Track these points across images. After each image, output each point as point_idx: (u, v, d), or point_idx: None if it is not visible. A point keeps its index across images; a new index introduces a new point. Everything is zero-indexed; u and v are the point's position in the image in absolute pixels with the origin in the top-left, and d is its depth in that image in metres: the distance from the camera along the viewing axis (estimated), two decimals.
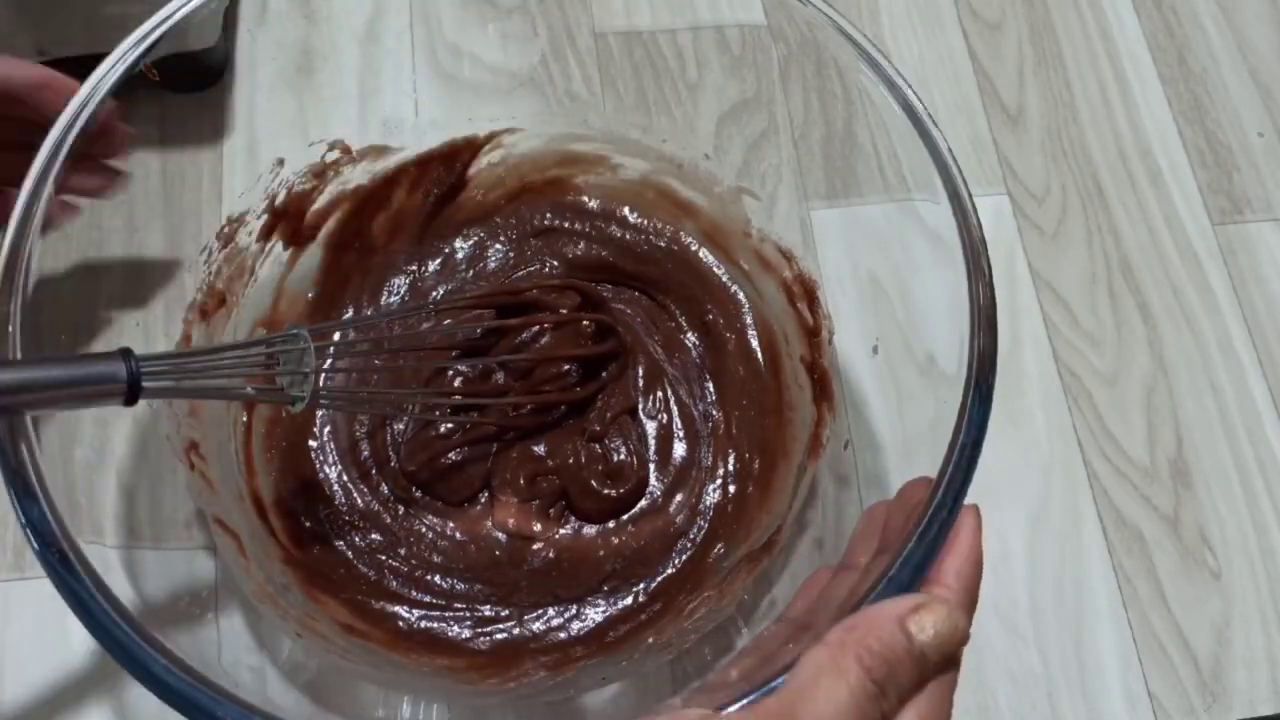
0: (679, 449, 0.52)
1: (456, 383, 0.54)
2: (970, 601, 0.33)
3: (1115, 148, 0.65)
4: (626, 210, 0.57)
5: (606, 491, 0.50)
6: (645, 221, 0.56)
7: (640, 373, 0.54)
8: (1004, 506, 0.55)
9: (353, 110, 0.59)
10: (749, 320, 0.55)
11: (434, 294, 0.55)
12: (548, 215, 0.57)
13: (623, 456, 0.52)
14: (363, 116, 0.57)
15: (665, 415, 0.53)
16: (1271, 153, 0.65)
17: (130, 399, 0.36)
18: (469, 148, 0.55)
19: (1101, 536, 0.54)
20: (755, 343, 0.54)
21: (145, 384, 0.36)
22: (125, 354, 0.36)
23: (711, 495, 0.51)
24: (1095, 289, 0.61)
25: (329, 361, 0.53)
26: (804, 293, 0.52)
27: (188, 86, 0.59)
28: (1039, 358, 0.59)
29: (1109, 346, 0.59)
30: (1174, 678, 0.52)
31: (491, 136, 0.55)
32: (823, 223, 0.56)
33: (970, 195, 0.39)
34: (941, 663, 0.30)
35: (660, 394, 0.54)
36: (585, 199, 0.57)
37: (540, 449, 0.52)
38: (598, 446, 0.52)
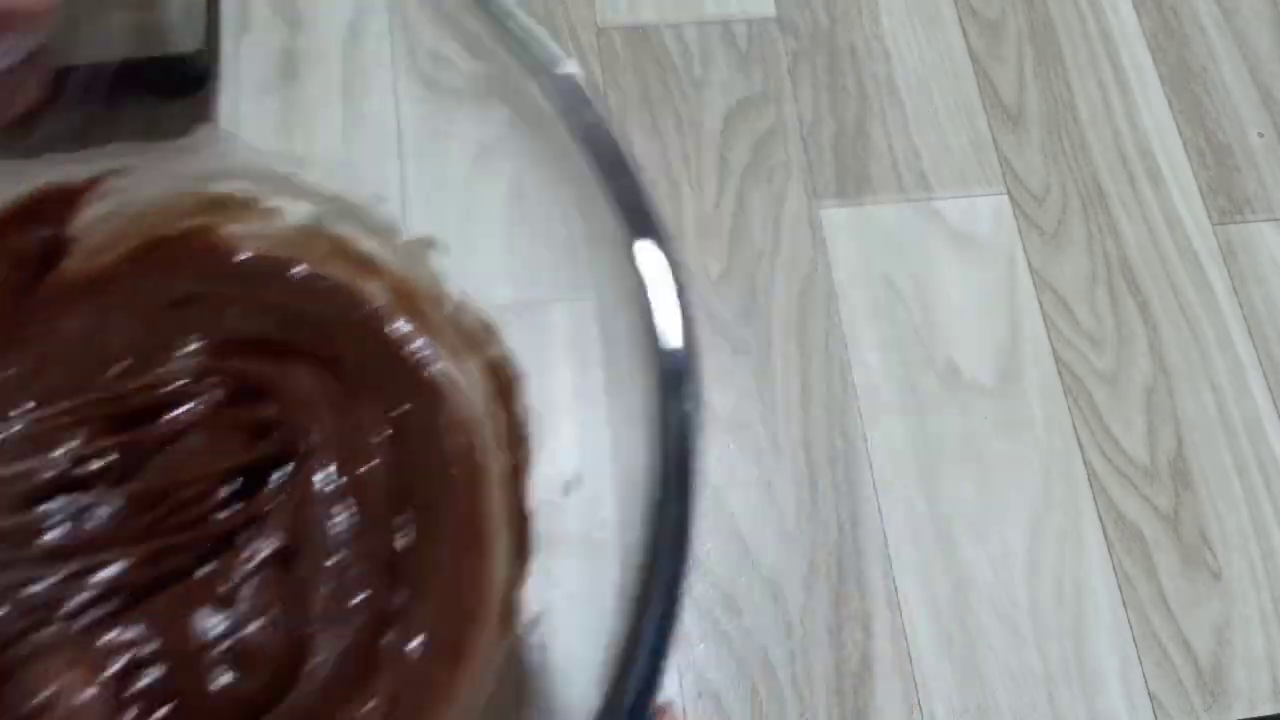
0: (353, 599, 0.32)
1: (49, 536, 0.31)
2: None
3: (1115, 148, 0.65)
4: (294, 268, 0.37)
5: (231, 686, 0.30)
6: (319, 282, 0.36)
7: (315, 484, 0.33)
8: (1004, 506, 0.55)
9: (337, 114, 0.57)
10: (443, 420, 0.35)
11: (23, 405, 0.33)
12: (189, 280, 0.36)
13: (261, 624, 0.31)
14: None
15: (337, 551, 0.32)
16: (1271, 153, 0.65)
17: None
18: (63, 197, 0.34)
19: (1101, 536, 0.54)
20: (451, 451, 0.34)
21: None
22: None
23: (389, 674, 0.31)
24: (1095, 289, 0.61)
25: None
26: (502, 388, 0.34)
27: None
28: (1039, 358, 0.59)
29: (1109, 346, 0.59)
30: (1174, 678, 0.52)
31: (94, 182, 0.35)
32: (832, 222, 0.56)
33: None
34: None
35: (331, 518, 0.33)
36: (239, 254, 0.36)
37: (137, 630, 0.31)
38: (226, 615, 0.31)
